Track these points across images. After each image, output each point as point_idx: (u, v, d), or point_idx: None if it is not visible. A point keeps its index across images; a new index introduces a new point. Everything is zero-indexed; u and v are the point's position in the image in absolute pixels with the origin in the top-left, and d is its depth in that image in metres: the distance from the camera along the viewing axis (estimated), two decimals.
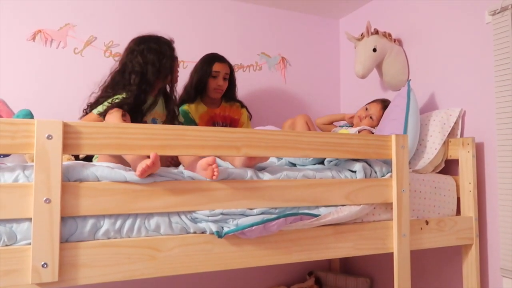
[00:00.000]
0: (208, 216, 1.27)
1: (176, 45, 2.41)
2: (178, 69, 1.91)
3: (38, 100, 2.16)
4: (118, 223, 1.18)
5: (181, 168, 1.48)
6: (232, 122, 2.28)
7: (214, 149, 1.29)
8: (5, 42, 2.12)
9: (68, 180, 1.15)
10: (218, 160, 1.52)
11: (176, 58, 1.87)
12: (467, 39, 1.95)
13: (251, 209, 1.33)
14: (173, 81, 1.86)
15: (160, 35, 1.84)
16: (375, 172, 1.56)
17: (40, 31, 2.18)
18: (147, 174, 1.18)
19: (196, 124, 2.16)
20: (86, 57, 2.26)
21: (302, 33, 2.80)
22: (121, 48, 1.98)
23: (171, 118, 1.84)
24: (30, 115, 1.98)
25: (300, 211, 1.39)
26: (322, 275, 2.54)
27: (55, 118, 2.05)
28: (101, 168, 1.18)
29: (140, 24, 2.39)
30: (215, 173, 1.26)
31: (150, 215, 1.23)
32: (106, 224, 1.17)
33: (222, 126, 2.26)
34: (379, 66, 2.28)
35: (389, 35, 2.26)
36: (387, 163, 1.60)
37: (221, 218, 1.29)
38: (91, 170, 1.17)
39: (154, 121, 1.81)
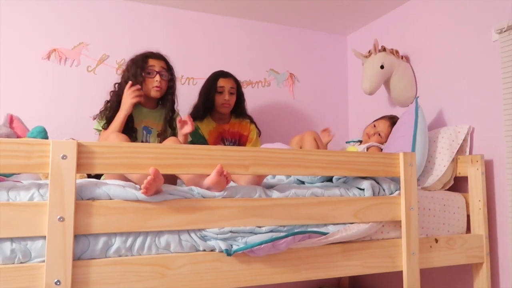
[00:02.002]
0: (217, 234, 1.28)
1: (185, 63, 2.51)
2: (155, 78, 1.91)
3: (52, 117, 2.20)
4: (129, 241, 1.20)
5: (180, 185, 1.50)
6: (241, 138, 2.29)
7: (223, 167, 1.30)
8: (21, 60, 2.18)
9: (81, 199, 1.17)
10: None
11: (146, 64, 1.90)
12: (475, 56, 1.96)
13: (260, 227, 1.34)
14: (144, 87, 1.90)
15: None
16: (383, 190, 1.57)
17: (55, 50, 2.24)
18: (153, 190, 1.19)
19: (205, 141, 2.18)
20: (99, 75, 2.31)
21: (310, 49, 2.83)
22: None
23: (164, 127, 1.96)
24: (44, 132, 2.01)
25: (309, 229, 1.40)
26: None
27: (68, 134, 2.13)
28: (113, 187, 1.20)
29: (151, 42, 2.43)
30: (228, 179, 1.29)
31: (160, 233, 1.24)
32: (117, 242, 1.19)
33: (231, 142, 2.27)
34: (386, 83, 2.29)
35: (397, 52, 2.28)
36: (395, 180, 1.60)
37: (230, 236, 1.30)
38: (103, 189, 1.19)
39: (146, 129, 1.90)
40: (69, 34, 2.28)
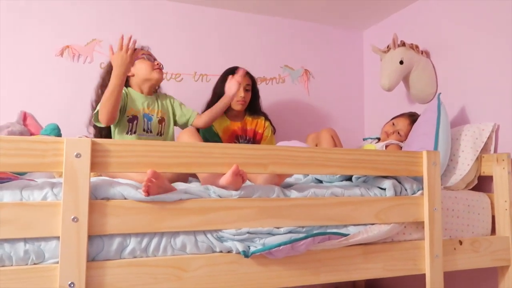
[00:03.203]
0: (234, 235, 1.24)
1: (198, 59, 2.48)
2: (143, 60, 1.88)
3: (65, 114, 2.18)
4: (145, 242, 1.17)
5: (195, 183, 1.46)
6: (255, 136, 2.24)
7: (240, 167, 1.26)
8: (34, 57, 2.17)
9: (95, 198, 1.14)
10: None
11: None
12: (498, 51, 1.88)
13: (278, 228, 1.30)
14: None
15: None
16: (406, 190, 1.51)
17: (68, 46, 2.22)
18: (154, 191, 1.15)
19: (219, 138, 2.15)
20: None
21: (325, 45, 2.78)
22: None
23: (162, 114, 1.93)
24: (57, 129, 2.01)
25: (328, 230, 1.35)
26: None
27: (82, 132, 2.11)
28: (128, 188, 1.17)
29: (164, 38, 2.41)
30: (244, 178, 1.25)
31: (176, 233, 1.21)
32: (132, 243, 1.15)
33: (246, 140, 2.22)
34: (406, 79, 2.23)
35: (416, 47, 2.21)
36: (418, 180, 1.54)
37: (248, 237, 1.26)
38: (118, 189, 1.16)
39: (147, 117, 1.86)
40: (82, 30, 2.26)
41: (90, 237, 1.11)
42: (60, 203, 1.07)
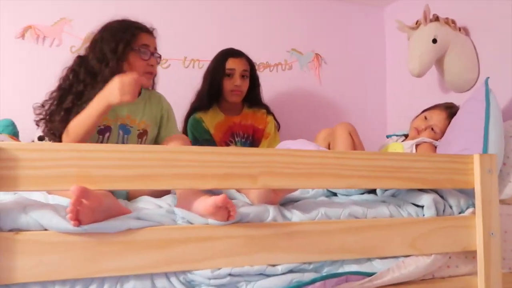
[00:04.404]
0: (210, 279, 0.90)
1: (189, 42, 2.15)
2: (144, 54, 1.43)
3: (28, 106, 1.85)
4: None
5: (168, 199, 1.10)
6: (255, 133, 1.94)
7: (220, 179, 0.92)
8: None
9: (1, 230, 0.80)
10: (229, 192, 1.14)
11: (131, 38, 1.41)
12: None
13: (273, 265, 0.96)
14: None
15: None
16: (450, 207, 1.19)
17: (30, 27, 1.96)
18: (87, 218, 0.81)
19: (211, 136, 1.83)
20: None
21: (339, 25, 2.50)
22: None
23: (145, 126, 1.46)
24: (11, 126, 1.71)
25: (346, 270, 1.01)
26: None
27: None
28: (49, 213, 0.81)
29: (148, 17, 2.08)
30: (232, 213, 0.91)
31: (123, 278, 0.86)
32: None
33: (243, 138, 1.92)
34: (439, 62, 1.92)
35: (453, 22, 1.88)
36: (467, 193, 1.22)
37: (229, 281, 0.92)
38: (33, 216, 0.81)
39: (123, 128, 1.40)
40: (48, 8, 1.99)
41: None
42: None
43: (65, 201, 0.93)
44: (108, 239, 0.83)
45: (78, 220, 0.79)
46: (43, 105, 1.33)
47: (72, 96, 1.29)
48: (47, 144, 0.90)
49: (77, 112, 1.25)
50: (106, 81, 1.25)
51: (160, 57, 1.50)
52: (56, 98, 1.32)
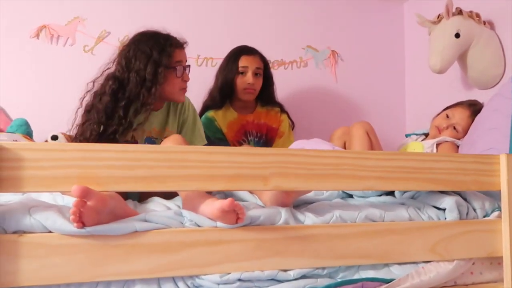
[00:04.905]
0: (219, 284, 0.86)
1: (202, 40, 2.13)
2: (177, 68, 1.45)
3: (42, 105, 1.93)
4: None
5: (178, 201, 1.07)
6: (269, 132, 1.90)
7: (229, 180, 0.88)
8: (5, 40, 1.91)
9: (4, 232, 0.78)
10: (241, 193, 1.10)
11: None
12: None
13: (285, 270, 0.91)
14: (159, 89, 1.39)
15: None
16: (474, 211, 1.12)
17: (45, 26, 1.97)
18: (91, 220, 0.78)
19: (223, 136, 1.80)
20: (98, 56, 1.99)
21: (356, 20, 2.43)
22: None
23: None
24: (25, 125, 1.70)
25: (362, 276, 0.95)
26: None
27: (61, 127, 1.78)
28: (53, 215, 0.79)
29: (160, 16, 2.15)
30: (240, 215, 0.87)
31: (129, 283, 0.83)
32: None
33: (257, 137, 1.88)
34: (462, 57, 1.82)
35: (477, 15, 1.79)
36: (492, 196, 1.15)
37: (239, 286, 0.87)
38: (37, 218, 0.79)
39: (149, 141, 1.40)
40: (61, 7, 2.00)
41: None
42: None
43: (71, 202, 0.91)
44: (114, 242, 0.80)
45: (81, 222, 0.76)
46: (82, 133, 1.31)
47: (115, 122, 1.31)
48: (52, 144, 0.88)
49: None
50: (147, 104, 1.32)
51: (189, 66, 1.49)
52: (95, 122, 1.31)
